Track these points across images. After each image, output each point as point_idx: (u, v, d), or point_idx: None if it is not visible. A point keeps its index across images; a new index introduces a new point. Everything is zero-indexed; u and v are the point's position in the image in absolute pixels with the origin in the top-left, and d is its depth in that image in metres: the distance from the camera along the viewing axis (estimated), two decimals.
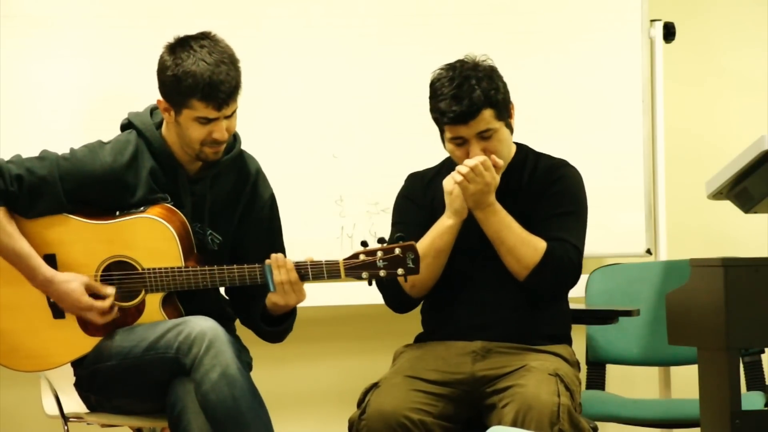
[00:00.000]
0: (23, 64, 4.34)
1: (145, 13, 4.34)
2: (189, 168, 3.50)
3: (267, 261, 3.39)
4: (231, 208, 3.55)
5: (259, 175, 3.60)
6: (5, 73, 4.31)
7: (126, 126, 3.55)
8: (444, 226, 3.54)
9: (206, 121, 3.39)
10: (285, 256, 3.43)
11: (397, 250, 3.35)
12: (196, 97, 3.36)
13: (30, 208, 3.41)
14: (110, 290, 3.40)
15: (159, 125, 3.51)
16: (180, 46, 3.41)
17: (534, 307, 3.56)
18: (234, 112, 3.43)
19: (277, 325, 3.53)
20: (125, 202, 3.44)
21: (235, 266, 3.39)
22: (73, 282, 3.39)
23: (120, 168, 3.44)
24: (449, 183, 3.54)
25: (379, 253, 3.35)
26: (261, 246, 3.51)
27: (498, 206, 3.52)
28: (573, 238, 3.54)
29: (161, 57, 3.43)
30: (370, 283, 3.42)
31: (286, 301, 3.42)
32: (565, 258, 3.51)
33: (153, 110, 3.54)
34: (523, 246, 3.51)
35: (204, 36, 3.42)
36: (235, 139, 3.55)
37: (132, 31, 4.32)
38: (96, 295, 3.40)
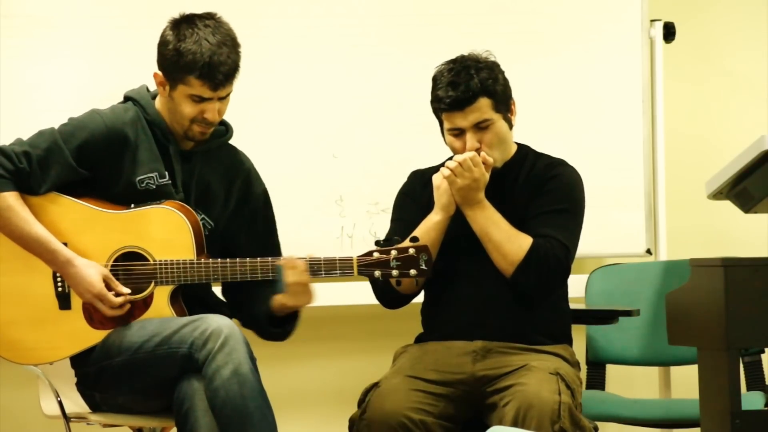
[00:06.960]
0: (23, 64, 4.34)
1: (145, 13, 4.34)
2: (180, 143, 3.51)
3: (279, 261, 3.39)
4: (223, 198, 3.55)
5: (252, 171, 3.61)
6: (5, 73, 4.31)
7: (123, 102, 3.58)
8: (431, 221, 3.54)
9: (200, 99, 3.41)
10: (280, 252, 3.46)
11: (411, 251, 3.35)
12: (194, 75, 3.38)
13: (43, 181, 3.42)
14: (126, 290, 3.40)
15: (153, 98, 3.53)
16: (185, 22, 3.43)
17: (531, 306, 3.55)
18: (228, 95, 3.45)
19: (281, 326, 3.53)
20: (131, 168, 3.43)
21: (248, 260, 3.39)
22: (93, 268, 3.38)
23: (121, 124, 3.46)
24: (437, 178, 3.54)
25: (393, 253, 3.35)
26: (256, 239, 3.53)
27: (486, 203, 3.52)
28: (562, 235, 3.52)
29: (164, 31, 3.45)
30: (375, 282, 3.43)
31: (296, 302, 3.43)
32: (551, 255, 3.48)
33: (149, 88, 3.56)
34: (508, 243, 3.50)
35: (209, 16, 3.45)
36: (227, 129, 3.57)
37: (132, 31, 4.32)
38: (111, 290, 3.39)
